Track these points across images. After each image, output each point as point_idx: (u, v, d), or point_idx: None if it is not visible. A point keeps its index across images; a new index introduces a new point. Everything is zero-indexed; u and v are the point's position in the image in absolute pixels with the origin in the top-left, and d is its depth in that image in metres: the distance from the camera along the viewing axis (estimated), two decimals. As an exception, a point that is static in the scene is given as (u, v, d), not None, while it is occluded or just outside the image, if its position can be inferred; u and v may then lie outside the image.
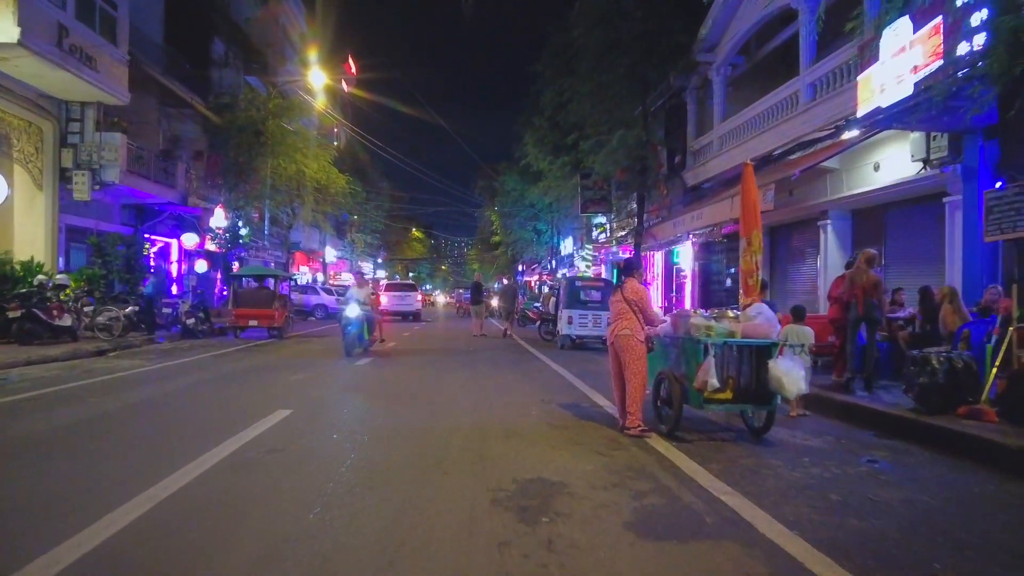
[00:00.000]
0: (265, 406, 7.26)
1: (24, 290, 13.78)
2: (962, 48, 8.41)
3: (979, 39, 8.10)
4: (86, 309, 15.24)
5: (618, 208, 27.15)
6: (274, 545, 3.42)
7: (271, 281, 20.26)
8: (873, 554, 3.48)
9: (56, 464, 4.92)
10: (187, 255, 24.56)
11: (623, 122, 19.99)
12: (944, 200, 11.21)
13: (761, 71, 17.98)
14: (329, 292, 33.50)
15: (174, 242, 23.92)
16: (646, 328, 6.44)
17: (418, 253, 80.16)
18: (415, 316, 31.64)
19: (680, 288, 23.81)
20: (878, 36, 10.16)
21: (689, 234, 20.14)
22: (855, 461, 5.52)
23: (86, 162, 17.44)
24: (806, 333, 7.20)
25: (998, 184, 10.29)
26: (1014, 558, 3.56)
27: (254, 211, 27.18)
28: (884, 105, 10.06)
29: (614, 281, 22.15)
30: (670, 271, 25.09)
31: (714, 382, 5.65)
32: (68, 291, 15.17)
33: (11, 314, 13.06)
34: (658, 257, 25.42)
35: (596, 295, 17.00)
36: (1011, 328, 6.58)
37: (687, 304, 21.63)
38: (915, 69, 9.32)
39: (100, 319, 14.82)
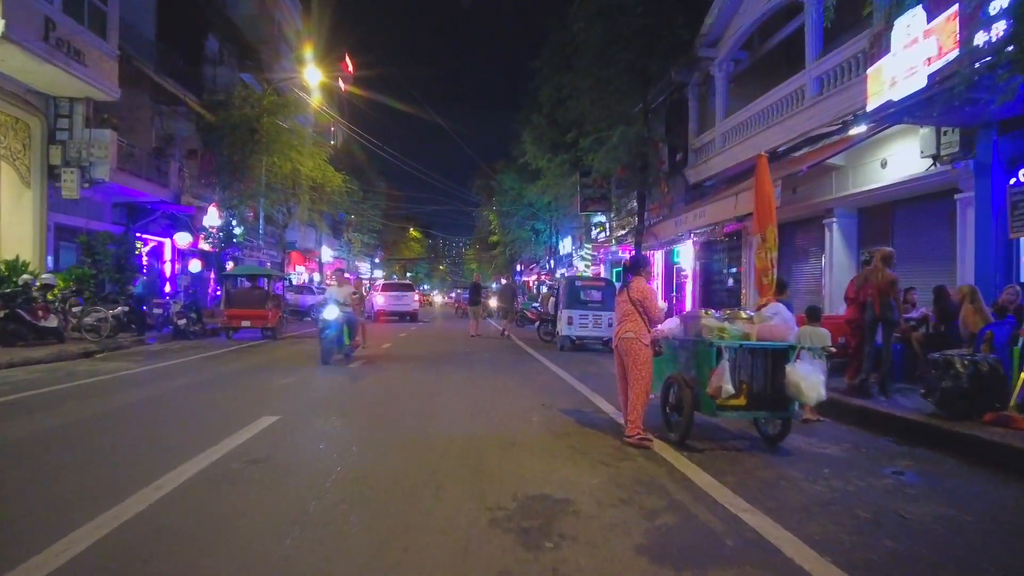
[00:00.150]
0: (251, 412, 6.88)
1: (8, 290, 13.36)
2: (979, 38, 8.08)
3: (998, 27, 7.76)
4: (74, 309, 14.89)
5: (618, 207, 26.80)
6: (243, 575, 3.05)
7: (264, 281, 19.87)
8: (913, 582, 3.12)
9: (11, 479, 4.53)
10: (181, 254, 24.18)
11: (624, 118, 19.67)
12: (956, 197, 10.88)
13: (764, 67, 17.65)
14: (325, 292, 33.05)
15: (167, 241, 23.55)
16: (652, 329, 6.07)
17: (416, 253, 79.72)
18: (412, 316, 31.28)
19: (681, 288, 23.46)
20: (889, 27, 9.82)
21: (690, 233, 19.84)
22: (878, 472, 5.16)
23: (75, 159, 17.10)
24: (822, 335, 6.82)
25: (1012, 180, 10.00)
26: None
27: (248, 210, 26.84)
28: (896, 99, 9.70)
29: (614, 280, 21.85)
30: (670, 271, 24.74)
31: (729, 388, 5.27)
32: (55, 291, 14.81)
33: (-6, 315, 12.68)
34: (658, 256, 25.06)
35: (596, 295, 16.67)
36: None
37: (688, 304, 21.29)
38: (929, 60, 8.96)
39: (88, 320, 14.44)
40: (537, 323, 21.23)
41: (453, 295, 67.29)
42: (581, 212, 29.68)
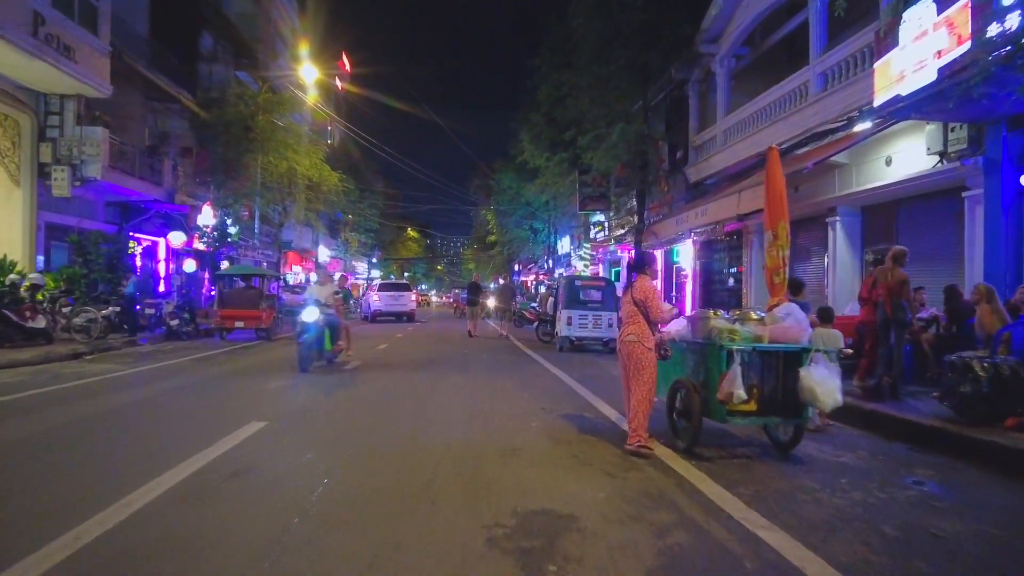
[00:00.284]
0: (237, 418, 6.58)
1: (-6, 290, 13.07)
2: (993, 29, 7.81)
3: (1013, 18, 7.50)
4: (64, 310, 14.60)
5: (617, 205, 26.51)
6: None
7: (259, 281, 19.57)
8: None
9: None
10: (175, 254, 23.86)
11: (623, 116, 19.39)
12: (963, 195, 10.64)
13: (766, 63, 17.40)
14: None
15: (161, 241, 23.22)
16: (657, 332, 5.75)
17: (414, 253, 79.36)
18: (409, 317, 31.01)
19: (680, 288, 23.18)
20: (898, 19, 9.56)
21: (691, 232, 19.59)
22: (899, 482, 4.87)
23: (66, 157, 16.80)
24: (835, 337, 6.53)
25: (1023, 177, 9.73)
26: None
27: (244, 209, 26.54)
28: (904, 93, 9.43)
29: (613, 280, 21.59)
30: (670, 270, 24.48)
31: (741, 393, 4.97)
32: (44, 292, 14.51)
33: (-20, 316, 12.37)
34: (658, 256, 24.79)
35: (596, 295, 16.39)
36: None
37: (687, 305, 21.03)
38: (939, 54, 8.70)
39: (77, 321, 14.15)
40: (536, 323, 20.96)
41: (452, 295, 67.03)
42: (580, 211, 29.39)
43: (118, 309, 16.06)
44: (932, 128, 10.60)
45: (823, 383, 5.08)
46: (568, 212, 33.80)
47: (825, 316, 7.00)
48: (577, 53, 20.63)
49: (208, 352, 14.21)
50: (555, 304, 17.92)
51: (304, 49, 34.62)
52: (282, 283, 26.13)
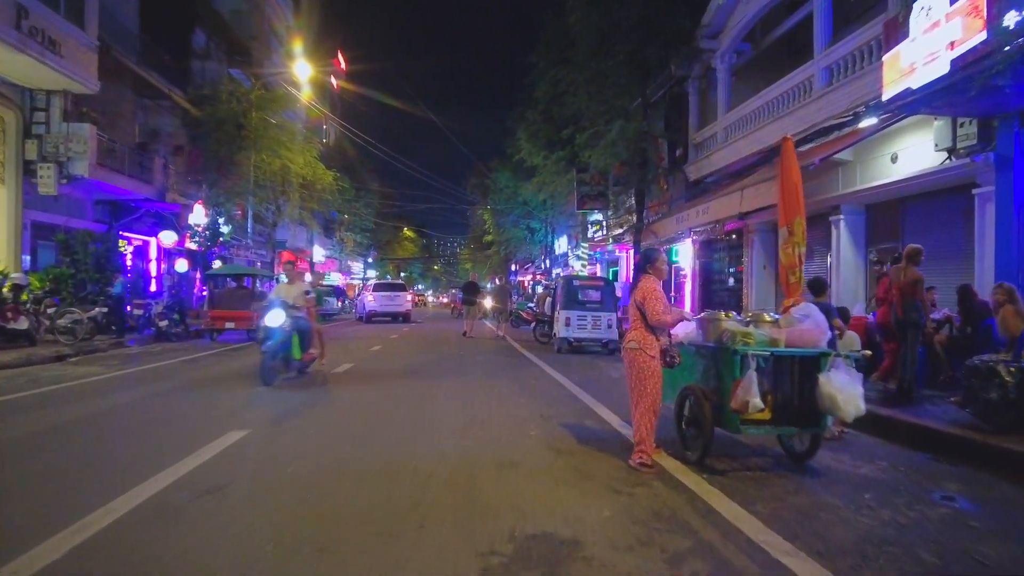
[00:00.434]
0: (218, 426, 6.20)
1: (-26, 291, 12.67)
2: (1010, 18, 7.49)
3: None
4: (50, 311, 14.21)
5: (616, 204, 26.18)
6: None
7: (250, 281, 19.20)
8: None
9: None
10: (167, 254, 23.48)
11: (622, 113, 19.07)
12: (973, 192, 10.35)
13: (767, 60, 17.10)
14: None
15: (152, 240, 22.83)
16: (663, 337, 5.28)
17: (410, 253, 78.94)
18: (404, 317, 30.67)
19: (679, 288, 22.84)
20: (908, 9, 9.22)
21: (690, 231, 19.28)
22: (927, 498, 4.52)
23: (52, 154, 16.43)
24: (851, 339, 6.18)
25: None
26: None
27: (236, 208, 26.15)
28: (915, 86, 9.09)
29: (611, 279, 21.25)
30: (669, 270, 24.12)
31: (757, 402, 4.59)
32: (28, 292, 14.11)
33: (-41, 317, 11.99)
34: (660, 255, 24.45)
35: (595, 295, 16.04)
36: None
37: (686, 305, 20.70)
38: (952, 45, 8.36)
39: (61, 322, 13.75)
40: (533, 324, 20.62)
41: (449, 295, 66.74)
42: (578, 210, 29.02)
43: (105, 310, 15.72)
44: (940, 124, 10.29)
45: (844, 390, 4.69)
46: (565, 211, 33.46)
47: (841, 317, 6.65)
48: (575, 49, 20.29)
49: (196, 354, 13.83)
50: (553, 304, 17.58)
51: (299, 46, 34.23)
52: (275, 283, 25.75)
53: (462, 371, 11.72)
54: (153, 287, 22.33)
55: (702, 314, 5.59)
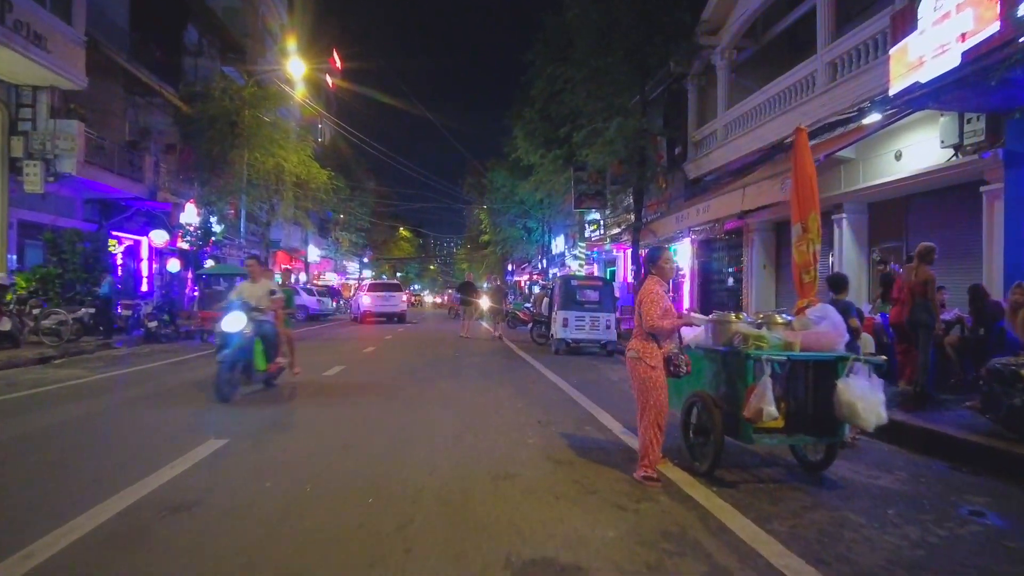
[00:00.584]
0: (196, 434, 5.86)
1: (-45, 291, 12.34)
2: (1024, 8, 7.20)
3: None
4: (35, 311, 13.85)
5: (614, 203, 25.91)
6: None
7: (241, 281, 18.84)
8: None
9: None
10: (158, 253, 23.11)
11: (620, 111, 18.79)
12: (981, 189, 10.10)
13: (768, 56, 16.85)
14: (310, 292, 32.18)
15: (144, 239, 22.47)
16: (671, 343, 4.91)
17: (406, 252, 78.60)
18: (400, 318, 30.37)
19: (678, 288, 22.55)
20: (916, 0, 8.93)
21: (689, 231, 19.01)
22: (954, 513, 4.21)
23: (39, 151, 16.10)
24: (866, 341, 5.87)
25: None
26: None
27: (229, 207, 25.79)
28: (923, 80, 8.79)
29: (609, 280, 20.96)
30: (674, 270, 23.84)
31: (772, 411, 4.27)
32: (12, 292, 13.77)
33: (-60, 318, 11.64)
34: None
35: (593, 295, 15.74)
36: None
37: (685, 306, 20.42)
38: (963, 36, 8.05)
39: (46, 323, 13.39)
40: (530, 325, 20.31)
41: (446, 296, 66.44)
42: (575, 209, 28.73)
43: (92, 310, 15.37)
44: (946, 120, 10.02)
45: (865, 398, 4.37)
46: (563, 211, 33.18)
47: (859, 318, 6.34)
48: (573, 46, 20.07)
49: (184, 356, 13.50)
50: (550, 305, 17.28)
51: (293, 44, 33.83)
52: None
53: (457, 374, 11.39)
54: (144, 287, 22.00)
55: (711, 316, 5.25)
